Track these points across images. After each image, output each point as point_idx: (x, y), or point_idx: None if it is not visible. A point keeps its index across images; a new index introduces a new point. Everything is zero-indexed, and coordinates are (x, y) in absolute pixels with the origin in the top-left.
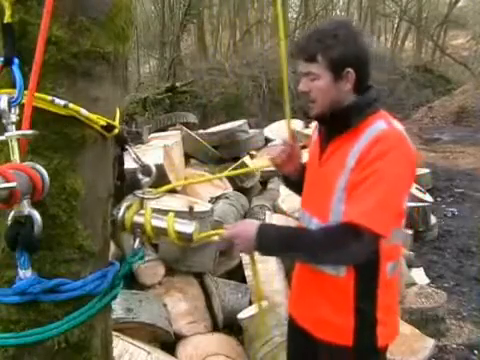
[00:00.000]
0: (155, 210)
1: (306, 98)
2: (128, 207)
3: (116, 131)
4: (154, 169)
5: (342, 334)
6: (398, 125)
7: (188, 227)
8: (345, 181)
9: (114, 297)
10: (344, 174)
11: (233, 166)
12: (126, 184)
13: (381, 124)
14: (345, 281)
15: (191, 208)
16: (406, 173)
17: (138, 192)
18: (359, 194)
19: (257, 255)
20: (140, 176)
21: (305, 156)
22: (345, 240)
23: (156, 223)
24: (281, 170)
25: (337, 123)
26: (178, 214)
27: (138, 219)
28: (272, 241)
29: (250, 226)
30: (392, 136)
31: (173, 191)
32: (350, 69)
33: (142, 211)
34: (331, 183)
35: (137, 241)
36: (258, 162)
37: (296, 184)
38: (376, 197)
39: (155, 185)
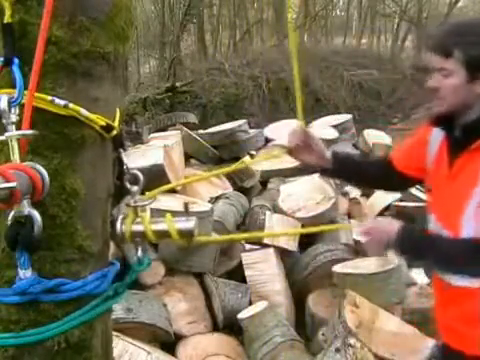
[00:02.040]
0: (153, 211)
1: (434, 95)
2: (124, 219)
3: (114, 132)
4: (141, 177)
5: (472, 344)
6: None
7: (188, 223)
8: (478, 199)
9: (116, 302)
10: (477, 192)
11: (233, 166)
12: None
13: None
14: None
15: (186, 205)
16: None
17: (130, 201)
18: None
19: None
20: (128, 185)
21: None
22: None
23: (156, 227)
24: (298, 158)
25: (469, 133)
26: (175, 214)
27: (136, 228)
28: (411, 244)
29: (390, 224)
30: None
31: (172, 191)
32: None
33: (138, 219)
34: (463, 199)
35: (140, 249)
36: (259, 158)
37: (338, 174)
38: None
39: (155, 186)
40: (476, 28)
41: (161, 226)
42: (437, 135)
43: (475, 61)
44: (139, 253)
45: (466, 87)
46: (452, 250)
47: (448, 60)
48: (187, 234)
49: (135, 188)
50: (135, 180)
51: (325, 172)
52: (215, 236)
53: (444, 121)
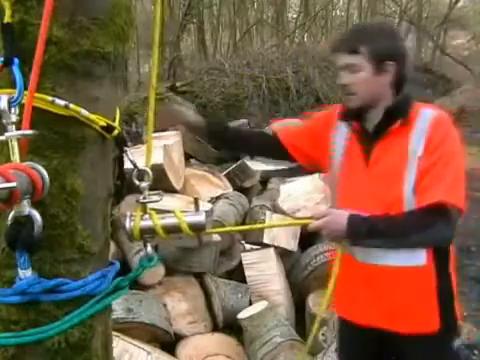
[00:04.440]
0: (157, 211)
1: (345, 91)
2: (131, 217)
3: (116, 132)
4: (150, 172)
5: (428, 321)
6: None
7: (198, 217)
8: (414, 171)
9: (118, 297)
10: (411, 164)
11: (233, 166)
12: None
13: (431, 110)
14: (426, 268)
15: (196, 199)
16: (462, 151)
17: (140, 198)
18: (436, 176)
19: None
20: (136, 181)
21: None
22: (435, 219)
23: (166, 222)
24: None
25: (389, 116)
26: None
27: (145, 224)
28: (362, 227)
29: (340, 216)
30: (446, 119)
31: (173, 191)
32: (392, 62)
33: (146, 216)
34: (396, 177)
35: (149, 247)
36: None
37: (211, 137)
38: (452, 176)
39: (154, 186)
40: (378, 26)
41: (170, 221)
42: (342, 131)
43: (380, 54)
44: (149, 249)
45: (375, 79)
46: (403, 223)
47: (355, 56)
48: (198, 227)
49: (144, 184)
50: (143, 176)
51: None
52: (217, 234)
53: (354, 115)
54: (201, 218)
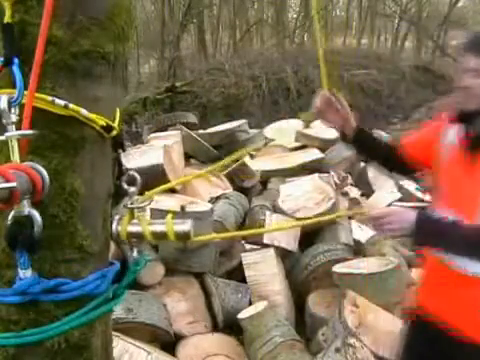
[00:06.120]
0: (153, 211)
1: (464, 93)
2: (120, 220)
3: (114, 132)
4: (139, 177)
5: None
6: None
7: (184, 226)
8: None
9: (115, 304)
10: None
11: (233, 166)
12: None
13: None
14: None
15: (183, 207)
16: None
17: (127, 203)
18: None
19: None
20: (125, 186)
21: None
22: None
23: (153, 228)
24: (323, 118)
25: None
26: (174, 214)
27: (133, 229)
28: (430, 229)
29: (407, 211)
30: None
31: (172, 191)
32: None
33: (135, 220)
34: None
35: (135, 251)
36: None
37: (356, 143)
38: None
39: (155, 185)
40: None
41: (158, 227)
42: (452, 132)
43: None
44: (135, 254)
45: None
46: (472, 235)
47: None
48: (183, 235)
49: (132, 189)
50: (133, 181)
51: (345, 138)
52: (214, 235)
53: (466, 118)
54: (186, 227)
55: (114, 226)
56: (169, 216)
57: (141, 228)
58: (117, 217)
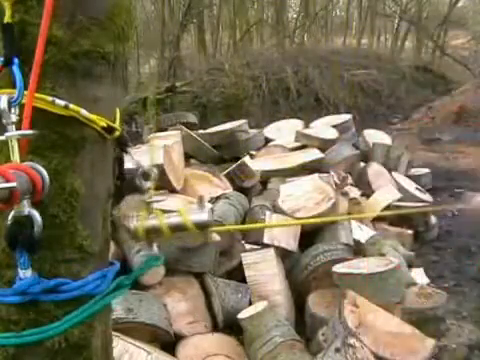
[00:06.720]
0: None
1: None
2: (136, 217)
3: (117, 133)
4: (155, 172)
5: None
6: None
7: (203, 215)
8: None
9: (119, 295)
10: None
11: (233, 166)
12: (126, 185)
13: None
14: None
15: (201, 197)
16: None
17: (144, 198)
18: None
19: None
20: (141, 181)
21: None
22: None
23: (171, 221)
24: None
25: None
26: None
27: (149, 224)
28: None
29: None
30: None
31: (173, 191)
32: None
33: (151, 215)
34: None
35: (154, 246)
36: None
37: None
38: None
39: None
40: None
41: (175, 220)
42: None
43: None
44: (155, 249)
45: None
46: None
47: None
48: (203, 225)
49: (148, 184)
50: (148, 176)
51: None
52: (216, 235)
53: None
54: (205, 217)
55: (132, 222)
56: (182, 208)
57: (158, 222)
58: (134, 213)
